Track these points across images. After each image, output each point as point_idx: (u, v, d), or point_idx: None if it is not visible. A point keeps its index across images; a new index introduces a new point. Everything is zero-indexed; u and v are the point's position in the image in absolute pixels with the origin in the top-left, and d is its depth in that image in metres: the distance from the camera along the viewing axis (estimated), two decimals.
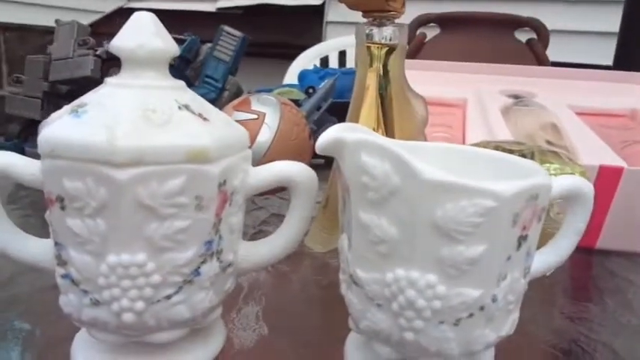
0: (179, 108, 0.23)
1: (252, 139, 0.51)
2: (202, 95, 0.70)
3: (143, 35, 0.24)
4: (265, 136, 0.51)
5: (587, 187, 0.25)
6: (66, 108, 0.24)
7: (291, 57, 1.28)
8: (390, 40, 0.38)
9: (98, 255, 0.22)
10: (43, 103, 0.68)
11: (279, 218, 0.50)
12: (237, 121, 0.53)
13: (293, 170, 0.26)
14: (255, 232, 0.47)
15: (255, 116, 0.52)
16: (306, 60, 1.35)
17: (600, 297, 0.39)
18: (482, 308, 0.22)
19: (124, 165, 0.21)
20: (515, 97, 0.67)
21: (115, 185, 0.21)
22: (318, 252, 0.42)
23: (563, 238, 0.26)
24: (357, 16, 0.38)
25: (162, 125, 0.22)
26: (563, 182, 0.25)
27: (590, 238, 0.47)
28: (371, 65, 0.38)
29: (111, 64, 0.64)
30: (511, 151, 0.40)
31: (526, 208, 0.21)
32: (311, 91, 0.72)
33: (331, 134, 0.23)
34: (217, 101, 0.72)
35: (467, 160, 0.27)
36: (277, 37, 1.55)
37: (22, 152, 0.63)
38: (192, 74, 0.75)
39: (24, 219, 0.47)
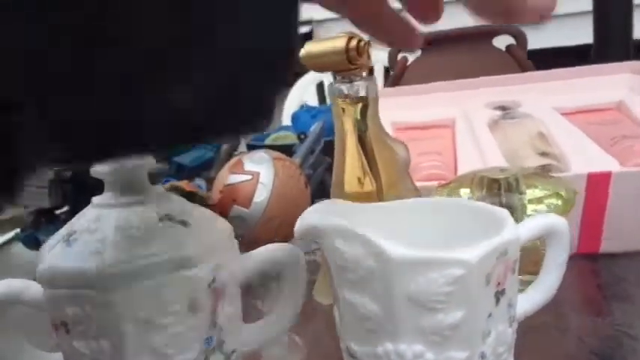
0: (160, 219, 0.25)
1: (249, 200, 0.53)
2: (200, 156, 0.72)
3: None
4: (261, 196, 0.53)
5: (560, 223, 0.26)
6: (60, 234, 0.26)
7: (287, 84, 1.32)
8: (361, 94, 0.39)
9: None
10: (50, 190, 0.71)
11: None
12: (232, 184, 0.55)
13: (280, 255, 0.27)
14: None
15: (250, 177, 0.54)
16: (302, 89, 1.44)
17: (609, 308, 0.39)
18: None
19: (117, 288, 0.22)
20: (502, 108, 0.68)
21: (112, 307, 0.22)
22: (327, 304, 0.43)
23: (547, 274, 0.27)
24: None
25: (145, 242, 0.23)
26: (535, 224, 0.25)
27: (593, 244, 0.48)
28: (347, 120, 0.40)
29: None
30: (496, 180, 0.41)
31: (497, 266, 0.22)
32: (303, 137, 0.73)
33: (305, 223, 0.24)
34: (215, 159, 0.74)
35: (436, 214, 0.28)
36: None
37: (37, 242, 0.65)
38: None
39: None
